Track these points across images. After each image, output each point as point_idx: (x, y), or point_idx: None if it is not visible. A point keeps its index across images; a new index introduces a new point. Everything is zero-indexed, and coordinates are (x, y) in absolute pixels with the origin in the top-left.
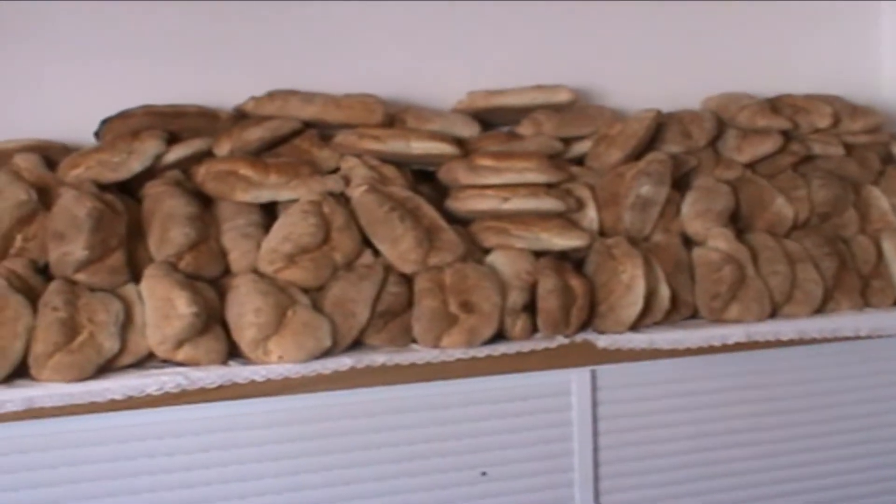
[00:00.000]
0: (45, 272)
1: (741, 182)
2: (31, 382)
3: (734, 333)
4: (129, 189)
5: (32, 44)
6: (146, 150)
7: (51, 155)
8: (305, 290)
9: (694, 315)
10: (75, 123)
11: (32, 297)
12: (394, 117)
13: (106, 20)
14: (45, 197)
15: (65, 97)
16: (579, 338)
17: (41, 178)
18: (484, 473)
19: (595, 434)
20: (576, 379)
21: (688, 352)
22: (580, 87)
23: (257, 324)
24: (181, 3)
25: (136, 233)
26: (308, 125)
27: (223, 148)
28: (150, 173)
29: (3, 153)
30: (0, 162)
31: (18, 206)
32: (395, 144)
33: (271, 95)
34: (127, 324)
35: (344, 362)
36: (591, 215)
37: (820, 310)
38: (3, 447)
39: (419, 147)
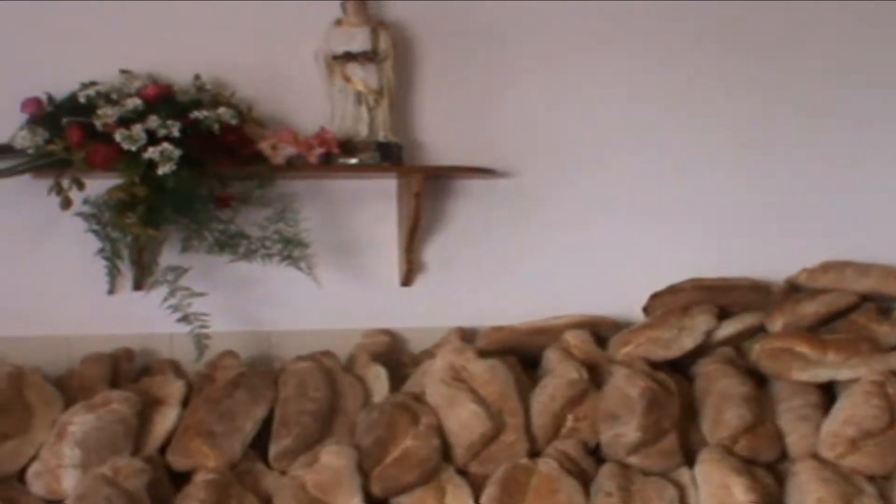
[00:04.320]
0: (595, 453)
1: None
2: None
3: None
4: (680, 366)
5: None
6: (697, 327)
7: (600, 331)
8: (871, 478)
9: None
10: (624, 298)
11: (584, 480)
12: None
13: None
14: (595, 375)
15: (613, 271)
16: None
17: (591, 356)
18: None
19: None
20: None
21: None
22: None
23: None
24: (713, 179)
25: (687, 413)
26: (865, 298)
27: (776, 323)
28: (700, 350)
29: (553, 330)
30: (551, 339)
31: (570, 386)
32: None
33: (825, 267)
34: None
35: None
36: None
37: None
38: None
39: None
